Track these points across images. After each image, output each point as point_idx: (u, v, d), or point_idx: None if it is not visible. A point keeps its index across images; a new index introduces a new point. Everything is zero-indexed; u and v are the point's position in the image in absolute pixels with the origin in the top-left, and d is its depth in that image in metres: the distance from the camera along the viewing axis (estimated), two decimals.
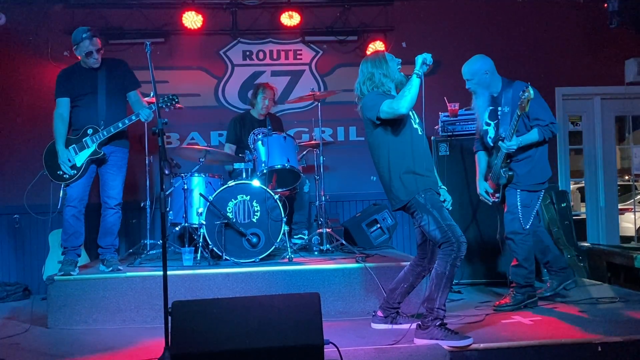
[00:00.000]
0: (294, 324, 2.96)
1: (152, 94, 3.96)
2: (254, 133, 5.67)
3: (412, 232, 6.16)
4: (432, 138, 5.44)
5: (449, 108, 5.45)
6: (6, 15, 5.76)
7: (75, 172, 4.42)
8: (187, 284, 4.28)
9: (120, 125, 4.43)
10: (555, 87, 6.61)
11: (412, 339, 3.51)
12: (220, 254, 4.59)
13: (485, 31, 6.50)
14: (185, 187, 4.84)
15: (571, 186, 7.23)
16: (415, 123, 3.74)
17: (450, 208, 3.74)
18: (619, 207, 7.27)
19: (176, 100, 4.57)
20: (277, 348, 2.92)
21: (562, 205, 6.12)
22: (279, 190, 5.11)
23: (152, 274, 4.30)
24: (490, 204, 4.53)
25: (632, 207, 7.82)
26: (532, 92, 3.94)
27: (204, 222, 4.63)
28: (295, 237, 5.55)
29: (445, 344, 3.38)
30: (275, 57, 6.49)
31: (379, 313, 3.94)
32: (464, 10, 6.53)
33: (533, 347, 3.41)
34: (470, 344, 3.38)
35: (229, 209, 4.67)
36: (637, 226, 7.58)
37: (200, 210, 4.74)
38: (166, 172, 3.28)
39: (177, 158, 5.36)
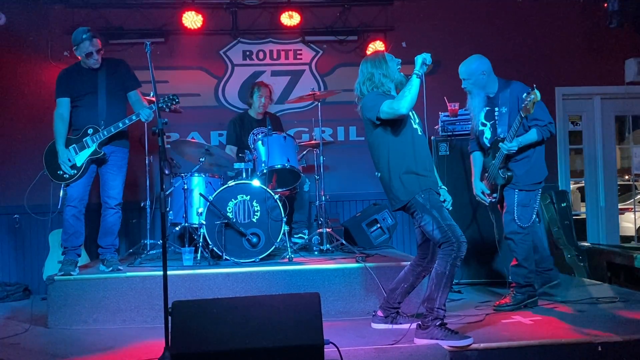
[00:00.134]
0: (294, 323, 2.96)
1: (152, 94, 3.96)
2: (253, 133, 5.69)
3: (412, 232, 6.17)
4: (432, 138, 5.44)
5: (449, 108, 5.45)
6: (6, 15, 5.76)
7: (76, 171, 4.42)
8: (187, 284, 4.28)
9: (120, 125, 4.43)
10: (555, 87, 6.62)
11: (412, 339, 3.51)
12: (221, 253, 4.59)
13: (485, 31, 6.50)
14: (186, 187, 4.84)
15: (571, 186, 7.23)
16: (415, 123, 3.74)
17: (450, 208, 3.74)
18: (619, 206, 7.28)
19: (176, 100, 4.57)
20: (277, 348, 2.92)
21: (562, 205, 6.13)
22: (279, 190, 5.11)
23: (152, 274, 4.30)
24: (487, 204, 4.53)
25: (632, 206, 7.82)
26: (538, 94, 3.93)
27: (204, 222, 4.63)
28: (295, 236, 5.55)
29: (446, 344, 3.38)
30: (275, 57, 6.50)
31: (379, 313, 3.94)
32: (463, 10, 6.54)
33: (533, 347, 3.41)
34: (471, 344, 3.38)
35: (229, 208, 4.67)
36: (637, 226, 7.57)
37: (200, 210, 4.74)
38: (166, 172, 3.28)
39: (176, 156, 5.36)
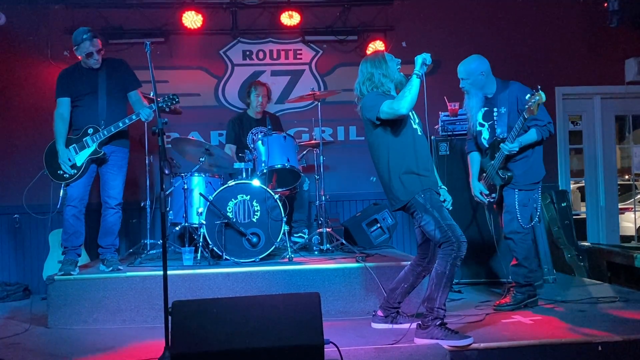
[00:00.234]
0: (294, 323, 2.96)
1: (152, 94, 3.96)
2: (252, 133, 5.69)
3: (412, 232, 6.16)
4: (432, 138, 5.44)
5: (449, 108, 5.45)
6: (6, 15, 5.76)
7: (76, 171, 4.42)
8: (187, 284, 4.28)
9: (120, 124, 4.44)
10: (555, 87, 6.61)
11: (412, 339, 3.51)
12: (221, 253, 4.59)
13: (485, 30, 6.51)
14: (186, 187, 4.84)
15: (571, 186, 7.23)
16: (415, 123, 3.74)
17: (451, 208, 3.74)
18: (619, 206, 7.28)
19: (176, 100, 4.58)
20: (277, 348, 2.92)
21: (563, 204, 6.13)
22: (279, 190, 5.11)
23: (152, 273, 4.30)
24: (487, 204, 4.54)
25: (632, 206, 7.82)
26: (543, 95, 3.94)
27: (204, 222, 4.63)
28: (295, 235, 5.55)
29: (446, 344, 3.38)
30: (275, 56, 6.49)
31: (379, 313, 3.94)
32: (463, 10, 6.54)
33: (533, 346, 3.41)
34: (471, 344, 3.38)
35: (229, 208, 4.67)
36: (637, 225, 7.57)
37: (200, 210, 4.74)
38: (166, 171, 3.28)
39: (176, 156, 5.36)
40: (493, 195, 4.46)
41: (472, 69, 4.38)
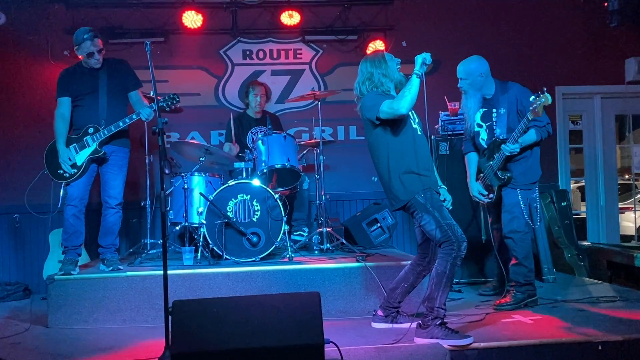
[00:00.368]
0: (294, 323, 2.96)
1: (152, 93, 3.97)
2: (252, 132, 5.69)
3: (412, 232, 6.16)
4: (432, 137, 5.44)
5: (449, 107, 5.45)
6: (6, 15, 5.75)
7: (76, 170, 4.43)
8: (188, 284, 4.28)
9: (120, 124, 4.44)
10: (555, 86, 6.61)
11: (412, 338, 3.51)
12: (221, 253, 4.59)
13: (485, 30, 6.51)
14: (186, 187, 4.83)
15: (571, 185, 7.23)
16: (415, 123, 3.74)
17: (451, 207, 3.74)
18: (619, 206, 7.28)
19: (177, 99, 4.58)
20: (277, 347, 2.92)
21: (563, 204, 6.13)
22: (279, 189, 5.11)
23: (153, 273, 4.30)
24: (485, 203, 4.54)
25: (632, 206, 7.82)
26: (549, 97, 3.95)
27: (204, 222, 4.63)
28: (295, 233, 5.55)
29: (446, 343, 3.39)
30: (275, 56, 6.49)
31: (380, 312, 3.94)
32: (463, 10, 6.54)
33: (533, 346, 3.41)
34: (471, 343, 3.38)
35: (229, 208, 4.67)
36: (637, 225, 7.57)
37: (200, 209, 4.74)
38: (166, 171, 3.29)
39: (177, 157, 5.36)
40: (491, 195, 4.47)
41: (472, 70, 4.39)
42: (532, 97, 4.03)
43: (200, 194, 4.82)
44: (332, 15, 6.46)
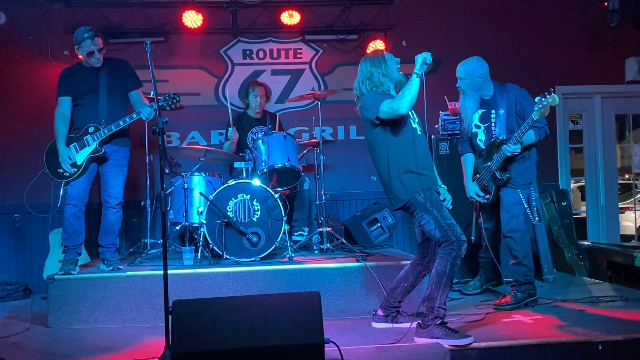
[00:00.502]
0: (294, 323, 2.96)
1: (152, 93, 3.97)
2: (252, 132, 5.68)
3: (412, 231, 6.16)
4: (432, 137, 5.44)
5: (449, 107, 5.45)
6: (6, 15, 5.75)
7: (76, 170, 4.42)
8: (188, 283, 4.28)
9: (121, 123, 4.44)
10: (555, 86, 6.59)
11: (412, 338, 3.51)
12: (221, 253, 4.59)
13: (486, 30, 6.51)
14: (186, 186, 4.83)
15: (571, 185, 7.23)
16: (415, 122, 3.74)
17: (450, 207, 3.74)
18: (619, 205, 7.27)
19: (177, 99, 4.58)
20: (277, 347, 2.92)
21: (563, 204, 6.13)
22: (279, 189, 5.11)
23: (153, 273, 4.30)
24: (480, 204, 4.55)
25: (633, 205, 7.82)
26: (556, 98, 3.97)
27: (205, 221, 4.63)
28: (295, 234, 5.55)
29: (446, 343, 3.39)
30: (275, 56, 6.49)
31: (380, 312, 3.94)
32: (464, 9, 6.53)
33: (533, 345, 3.41)
34: (471, 343, 3.38)
35: (230, 208, 4.67)
36: (638, 225, 7.57)
37: (200, 209, 4.74)
38: (167, 171, 3.28)
39: (177, 157, 5.37)
40: (487, 196, 4.48)
41: (472, 70, 4.40)
42: (538, 97, 4.04)
43: (201, 193, 4.83)
44: (332, 14, 6.45)
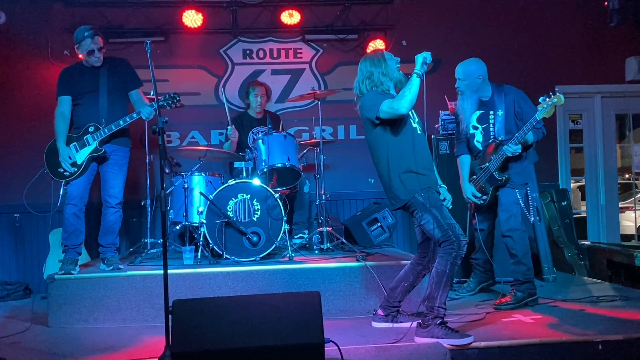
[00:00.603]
0: (294, 322, 2.96)
1: (152, 93, 3.96)
2: (253, 132, 5.68)
3: (412, 231, 6.16)
4: (432, 137, 5.44)
5: (449, 106, 5.45)
6: (6, 14, 5.75)
7: (76, 169, 4.42)
8: (188, 283, 4.28)
9: (121, 122, 4.43)
10: (555, 85, 6.57)
11: (412, 338, 3.51)
12: (221, 252, 4.59)
13: (486, 29, 6.50)
14: (186, 186, 4.83)
15: (571, 184, 7.23)
16: (415, 122, 3.74)
17: (450, 207, 3.75)
18: (620, 205, 7.28)
19: (177, 98, 4.57)
20: (277, 346, 2.92)
21: (563, 203, 6.13)
22: (279, 189, 5.11)
23: (153, 272, 4.30)
24: (476, 205, 4.56)
25: (633, 205, 7.82)
26: (562, 98, 3.99)
27: (205, 221, 4.63)
28: (295, 237, 5.55)
29: (446, 343, 3.39)
30: (275, 55, 6.49)
31: (380, 312, 3.94)
32: (464, 9, 6.53)
33: (534, 345, 3.41)
34: (471, 343, 3.38)
35: (230, 207, 4.67)
36: (638, 224, 7.57)
37: (200, 209, 4.74)
38: (167, 170, 3.28)
39: (177, 157, 5.37)
40: (484, 197, 4.49)
41: (471, 71, 4.42)
42: (542, 97, 4.06)
43: (201, 193, 4.83)
44: (333, 14, 6.45)
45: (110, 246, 4.60)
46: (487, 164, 4.40)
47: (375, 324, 3.93)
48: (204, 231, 4.65)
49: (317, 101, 5.38)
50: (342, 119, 6.39)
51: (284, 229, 4.70)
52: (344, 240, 5.14)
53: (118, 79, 4.57)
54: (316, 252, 5.08)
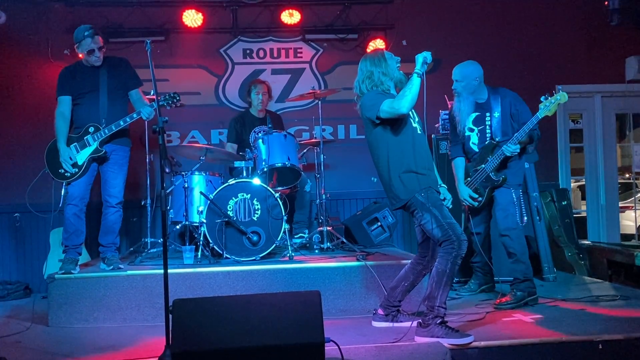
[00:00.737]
0: (294, 322, 2.96)
1: (152, 92, 3.96)
2: (254, 131, 5.68)
3: (412, 231, 6.16)
4: (432, 136, 5.44)
5: (449, 106, 5.43)
6: (6, 14, 5.75)
7: (77, 170, 4.42)
8: (188, 282, 4.28)
9: (121, 123, 4.43)
10: (555, 85, 6.56)
11: (412, 337, 3.51)
12: (221, 252, 4.59)
13: (486, 29, 6.51)
14: (186, 186, 4.84)
15: (572, 184, 7.23)
16: (415, 122, 3.74)
17: (451, 206, 3.75)
18: (620, 205, 7.28)
19: (177, 98, 4.57)
20: (278, 346, 2.92)
21: (563, 203, 6.14)
22: (279, 188, 5.11)
23: (153, 272, 4.30)
24: (476, 206, 4.56)
25: (633, 205, 7.82)
26: (565, 95, 4.03)
27: (205, 221, 4.63)
28: (295, 237, 5.55)
29: (446, 342, 3.39)
30: (275, 55, 6.49)
31: (380, 311, 3.94)
32: (464, 9, 6.53)
33: (534, 344, 3.41)
34: (471, 342, 3.38)
35: (230, 207, 4.67)
36: (638, 224, 7.57)
37: (200, 208, 4.74)
38: (167, 170, 3.28)
39: (177, 157, 5.37)
40: (480, 198, 4.50)
41: (468, 73, 4.46)
42: (543, 97, 4.08)
43: (201, 192, 4.83)
44: (333, 14, 6.45)
45: (110, 246, 4.61)
46: (483, 165, 4.43)
47: (376, 324, 3.93)
48: (204, 231, 4.65)
49: (317, 101, 5.38)
50: (342, 118, 6.39)
51: (284, 228, 4.70)
52: (344, 240, 5.14)
53: (118, 79, 4.56)
54: (316, 251, 5.08)
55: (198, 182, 5.01)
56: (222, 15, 6.37)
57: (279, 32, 6.44)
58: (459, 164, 4.66)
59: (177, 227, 4.97)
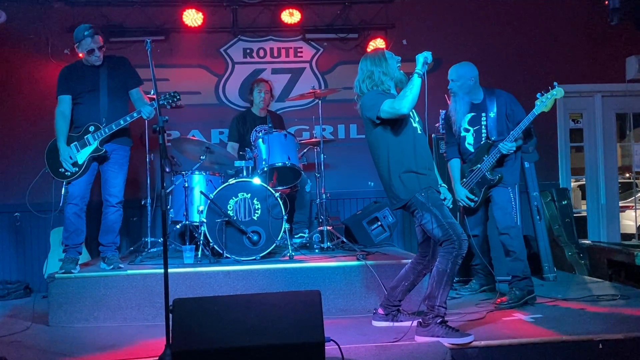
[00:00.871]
0: (294, 321, 2.97)
1: (152, 92, 3.96)
2: (256, 130, 5.68)
3: (412, 230, 6.16)
4: (432, 136, 5.44)
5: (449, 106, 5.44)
6: (6, 13, 5.75)
7: (77, 169, 4.42)
8: (188, 282, 4.28)
9: (121, 122, 4.43)
10: (556, 84, 6.61)
11: (413, 337, 3.51)
12: (221, 251, 4.59)
13: (486, 28, 6.50)
14: (186, 185, 4.84)
15: (572, 184, 7.23)
16: (415, 122, 3.73)
17: (451, 206, 3.76)
18: (620, 204, 7.27)
19: (178, 97, 4.57)
20: (278, 345, 2.92)
21: (563, 202, 6.14)
22: (279, 187, 5.11)
23: (153, 271, 4.30)
24: (473, 206, 4.56)
25: (633, 204, 7.82)
26: (561, 90, 4.06)
27: (205, 220, 4.63)
28: (295, 236, 5.55)
29: (446, 342, 3.39)
30: (275, 54, 6.49)
31: (380, 311, 3.94)
32: (464, 8, 6.53)
33: (534, 344, 3.41)
34: (471, 342, 3.38)
35: (230, 206, 4.67)
36: (638, 224, 7.57)
37: (201, 208, 4.74)
38: (167, 169, 3.28)
39: (177, 154, 5.36)
40: (475, 198, 4.51)
41: (463, 73, 4.50)
42: (539, 94, 4.09)
43: (201, 192, 4.83)
44: (333, 13, 6.45)
45: (110, 245, 4.61)
46: (479, 165, 4.43)
47: (376, 323, 3.93)
48: (204, 230, 4.65)
49: (317, 100, 5.38)
50: (343, 118, 6.39)
51: (285, 228, 4.70)
52: (345, 239, 5.14)
53: (118, 78, 4.56)
54: (316, 251, 5.08)
55: (198, 181, 5.01)
56: (222, 15, 6.37)
57: (279, 31, 6.44)
58: (454, 166, 4.68)
59: (177, 226, 4.97)
